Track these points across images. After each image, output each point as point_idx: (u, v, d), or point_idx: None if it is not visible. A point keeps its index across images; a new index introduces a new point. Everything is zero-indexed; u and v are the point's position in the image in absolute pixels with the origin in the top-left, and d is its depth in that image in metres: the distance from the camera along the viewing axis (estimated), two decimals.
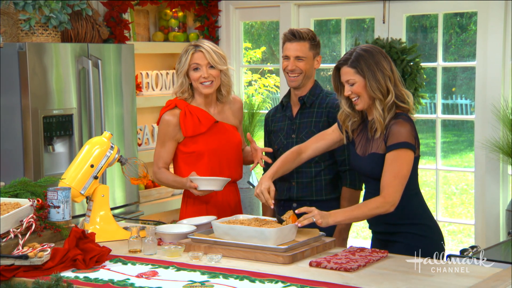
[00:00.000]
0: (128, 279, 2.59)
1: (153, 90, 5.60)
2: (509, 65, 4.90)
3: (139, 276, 2.62)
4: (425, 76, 4.93)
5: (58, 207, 2.99)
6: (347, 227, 3.57)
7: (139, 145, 5.44)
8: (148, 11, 5.92)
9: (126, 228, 3.27)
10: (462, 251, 3.27)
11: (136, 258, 2.86)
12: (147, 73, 5.57)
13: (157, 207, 5.40)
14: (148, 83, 5.56)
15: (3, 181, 4.10)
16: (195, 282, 2.53)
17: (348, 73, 3.03)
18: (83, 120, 4.59)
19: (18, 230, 2.81)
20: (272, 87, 6.98)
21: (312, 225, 2.96)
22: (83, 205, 4.43)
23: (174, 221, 3.50)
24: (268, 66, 6.87)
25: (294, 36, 3.53)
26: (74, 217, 4.21)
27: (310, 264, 2.72)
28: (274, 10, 5.83)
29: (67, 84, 4.50)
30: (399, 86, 3.05)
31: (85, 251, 2.78)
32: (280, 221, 2.99)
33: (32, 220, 2.86)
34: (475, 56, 5.05)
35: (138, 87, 5.44)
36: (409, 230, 3.07)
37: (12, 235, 2.78)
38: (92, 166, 3.22)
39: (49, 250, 2.72)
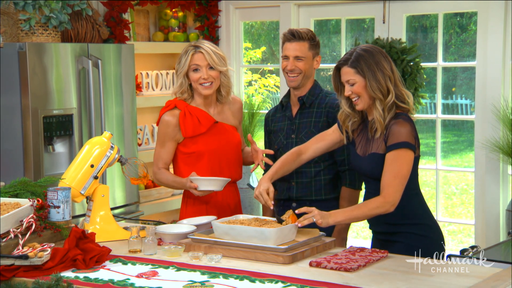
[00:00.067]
0: (128, 279, 2.59)
1: (153, 90, 5.60)
2: (509, 65, 4.90)
3: (139, 276, 2.62)
4: (425, 76, 4.93)
5: (58, 207, 2.98)
6: (346, 227, 3.57)
7: (139, 145, 5.44)
8: (148, 11, 5.92)
9: (126, 228, 3.27)
10: (462, 251, 3.27)
11: (136, 258, 2.86)
12: (147, 73, 5.57)
13: (157, 207, 5.40)
14: (148, 83, 5.57)
15: (3, 181, 4.10)
16: (195, 282, 2.53)
17: (348, 73, 3.03)
18: (83, 120, 4.59)
19: (18, 230, 2.81)
20: (272, 87, 6.98)
21: (312, 225, 2.96)
22: (83, 205, 4.43)
23: (174, 221, 3.50)
24: (268, 66, 6.87)
25: (293, 36, 3.53)
26: (74, 217, 4.21)
27: (310, 264, 2.72)
28: (274, 10, 5.83)
29: (67, 84, 4.50)
30: (399, 86, 3.05)
31: (85, 251, 2.78)
32: (280, 221, 2.99)
33: (32, 220, 2.86)
34: (475, 56, 5.05)
35: (138, 87, 5.44)
36: (410, 230, 3.07)
37: (12, 235, 2.78)
38: (92, 166, 3.22)
39: (49, 250, 2.71)
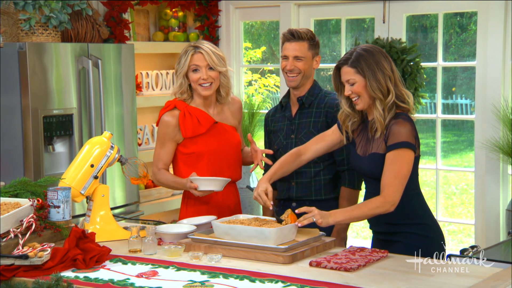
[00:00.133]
0: (128, 279, 2.59)
1: (153, 90, 5.60)
2: (509, 65, 4.90)
3: (139, 276, 2.62)
4: (425, 76, 4.93)
5: (58, 207, 2.99)
6: (345, 227, 3.57)
7: (139, 145, 5.44)
8: (148, 11, 5.92)
9: (126, 228, 3.27)
10: (462, 251, 3.27)
11: (136, 258, 2.86)
12: (147, 73, 5.57)
13: (157, 207, 5.40)
14: (148, 83, 5.57)
15: (3, 181, 4.10)
16: (195, 282, 2.53)
17: (348, 72, 3.03)
18: (83, 120, 4.59)
19: (18, 230, 2.81)
20: (272, 87, 6.98)
21: (312, 225, 2.96)
22: (83, 205, 4.43)
23: (174, 221, 3.50)
24: (268, 66, 6.87)
25: (293, 36, 3.53)
26: (74, 217, 4.21)
27: (310, 264, 2.72)
28: (274, 10, 5.83)
29: (67, 84, 4.50)
30: (399, 86, 3.05)
31: (85, 251, 2.78)
32: (279, 221, 2.99)
33: (32, 220, 2.86)
34: (475, 56, 5.05)
35: (138, 87, 5.44)
36: (410, 230, 3.07)
37: (12, 235, 2.78)
38: (92, 166, 3.22)
39: (49, 250, 2.71)
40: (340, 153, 3.52)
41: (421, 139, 3.15)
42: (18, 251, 2.72)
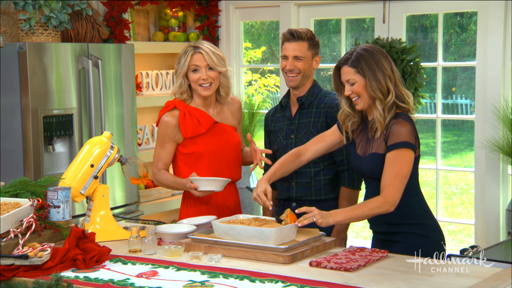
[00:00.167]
0: (128, 279, 2.59)
1: (153, 90, 5.60)
2: (509, 65, 4.90)
3: (139, 276, 2.62)
4: (425, 76, 4.93)
5: (58, 207, 2.99)
6: (345, 227, 3.57)
7: (139, 145, 5.45)
8: (148, 11, 5.92)
9: (126, 228, 3.27)
10: (462, 251, 3.27)
11: (136, 258, 2.86)
12: (147, 73, 5.57)
13: (157, 207, 5.40)
14: (148, 83, 5.57)
15: (3, 181, 4.10)
16: (195, 282, 2.53)
17: (348, 72, 3.03)
18: (83, 120, 4.59)
19: (18, 230, 2.81)
20: (272, 87, 6.98)
21: (312, 225, 2.96)
22: (83, 205, 4.43)
23: (174, 221, 3.50)
24: (268, 66, 6.87)
25: (292, 36, 3.53)
26: (74, 217, 4.21)
27: (310, 264, 2.72)
28: (274, 10, 5.83)
29: (67, 84, 4.50)
30: (399, 86, 3.05)
31: (85, 251, 2.78)
32: (279, 221, 2.99)
33: (32, 220, 2.86)
34: (475, 56, 5.05)
35: (138, 87, 5.44)
36: (410, 230, 3.07)
37: (12, 235, 2.78)
38: (92, 166, 3.22)
39: (49, 250, 2.71)
40: (340, 153, 3.52)
41: (421, 139, 3.15)
42: (18, 251, 2.72)
